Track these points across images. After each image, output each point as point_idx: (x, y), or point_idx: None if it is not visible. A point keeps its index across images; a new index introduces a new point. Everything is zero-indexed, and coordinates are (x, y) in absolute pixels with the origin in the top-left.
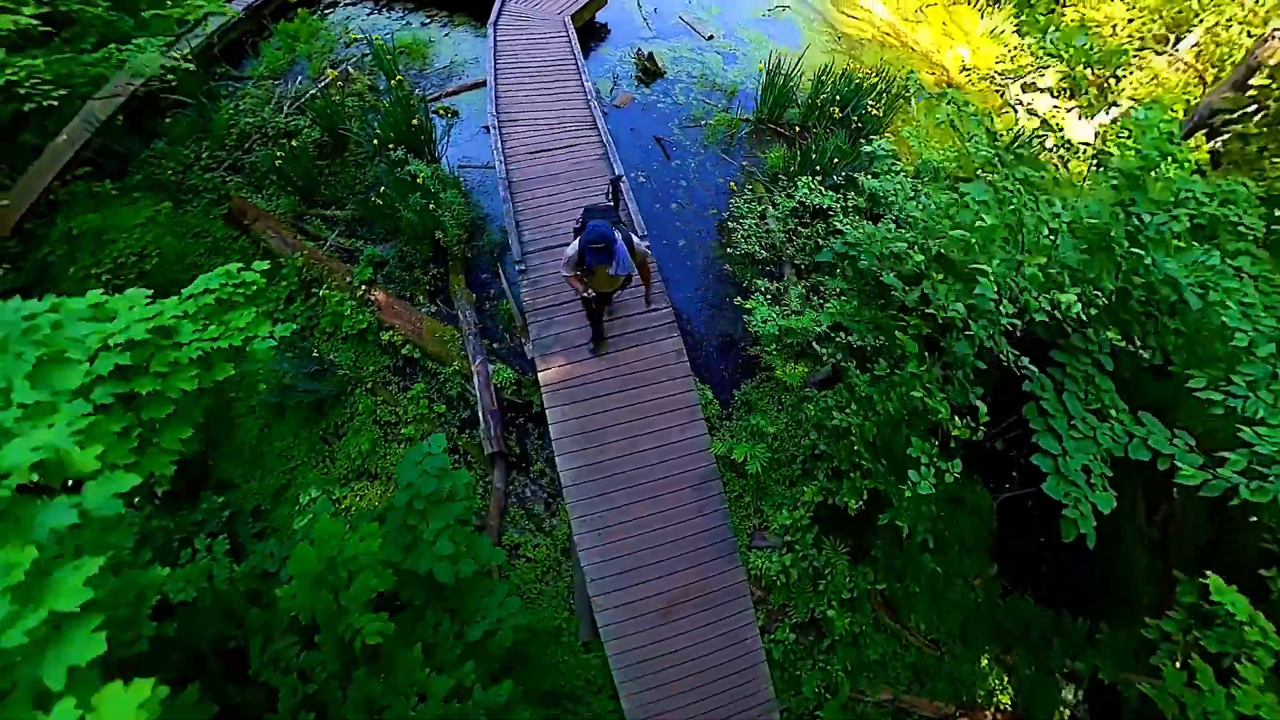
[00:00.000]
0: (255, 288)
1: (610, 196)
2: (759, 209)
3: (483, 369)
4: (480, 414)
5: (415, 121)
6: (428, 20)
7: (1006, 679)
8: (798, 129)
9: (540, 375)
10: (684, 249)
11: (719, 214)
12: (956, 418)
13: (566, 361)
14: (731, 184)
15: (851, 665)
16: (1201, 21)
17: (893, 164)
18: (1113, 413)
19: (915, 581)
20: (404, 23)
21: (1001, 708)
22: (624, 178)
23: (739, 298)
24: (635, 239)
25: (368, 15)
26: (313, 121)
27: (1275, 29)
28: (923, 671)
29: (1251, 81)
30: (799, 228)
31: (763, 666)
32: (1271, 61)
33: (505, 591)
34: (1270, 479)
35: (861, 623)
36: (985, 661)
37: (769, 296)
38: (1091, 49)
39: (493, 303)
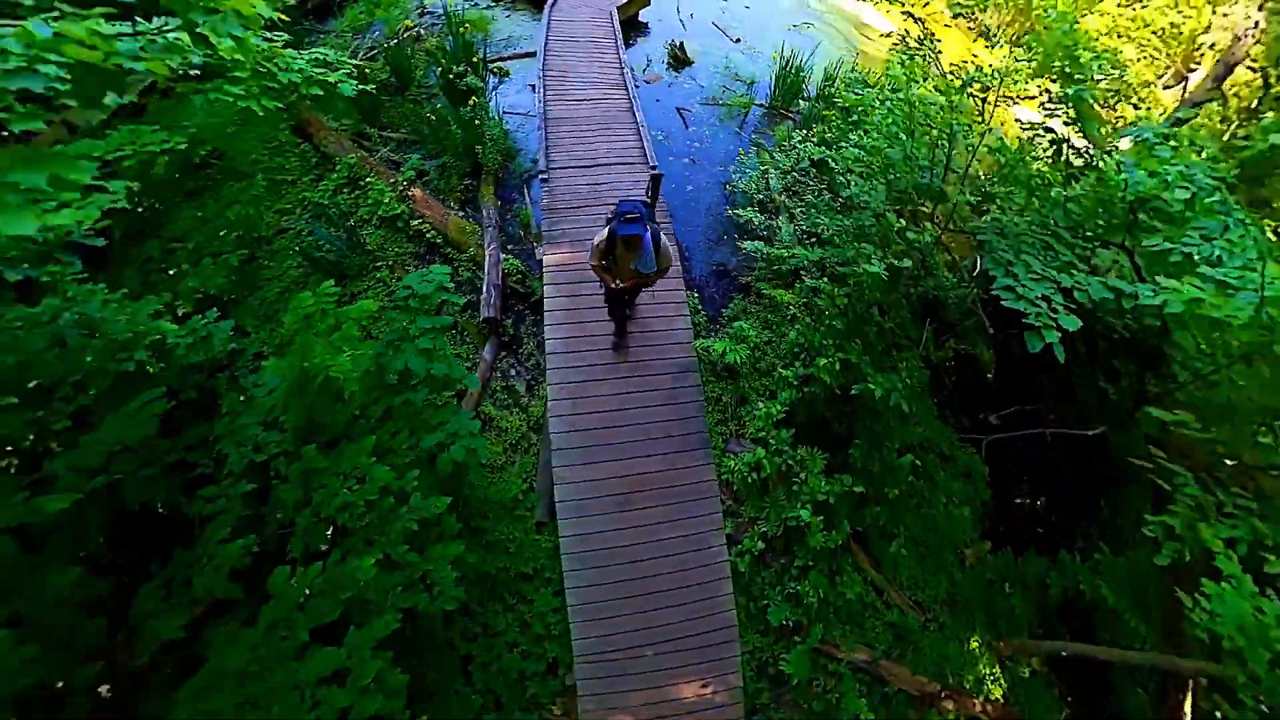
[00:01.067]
0: None
1: (649, 193)
2: (761, 169)
3: (495, 252)
4: (485, 287)
5: (476, 58)
6: (493, 4)
7: (1000, 671)
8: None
9: (545, 259)
10: (691, 194)
11: (725, 173)
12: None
13: (570, 252)
14: (740, 151)
15: (824, 594)
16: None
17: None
18: (1073, 270)
19: (894, 488)
20: (473, 3)
21: (992, 699)
22: (663, 176)
23: (738, 236)
24: (664, 240)
25: None
26: (384, 64)
27: (1248, 28)
28: (905, 637)
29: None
30: (794, 185)
31: (727, 583)
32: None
33: (468, 417)
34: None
35: (837, 540)
36: (976, 645)
37: (765, 231)
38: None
39: (514, 211)
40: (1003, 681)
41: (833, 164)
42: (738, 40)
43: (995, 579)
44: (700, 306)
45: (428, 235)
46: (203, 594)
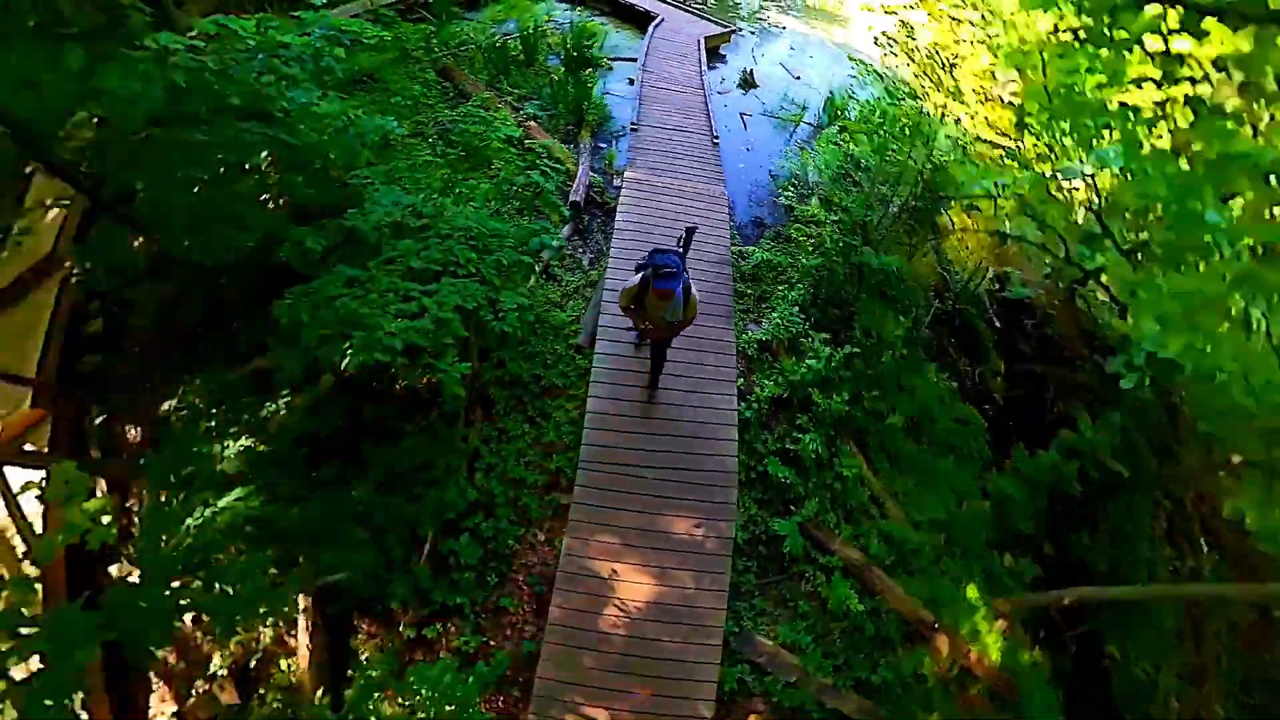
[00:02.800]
0: None
1: (681, 244)
2: (802, 162)
3: (585, 168)
4: (575, 186)
5: (588, 42)
6: (606, 21)
7: (998, 632)
8: None
9: (626, 175)
10: (743, 170)
11: (772, 163)
12: None
13: (644, 175)
14: (786, 149)
15: (821, 457)
16: None
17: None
18: None
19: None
20: (590, 17)
21: (986, 661)
22: (697, 229)
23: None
24: (693, 291)
25: (565, 9)
26: (516, 43)
27: None
28: (901, 554)
29: None
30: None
31: (733, 431)
32: None
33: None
34: None
35: (840, 407)
36: (974, 594)
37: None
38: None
39: (603, 154)
40: (998, 643)
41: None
42: (798, 77)
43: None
44: (738, 238)
45: (536, 151)
46: None
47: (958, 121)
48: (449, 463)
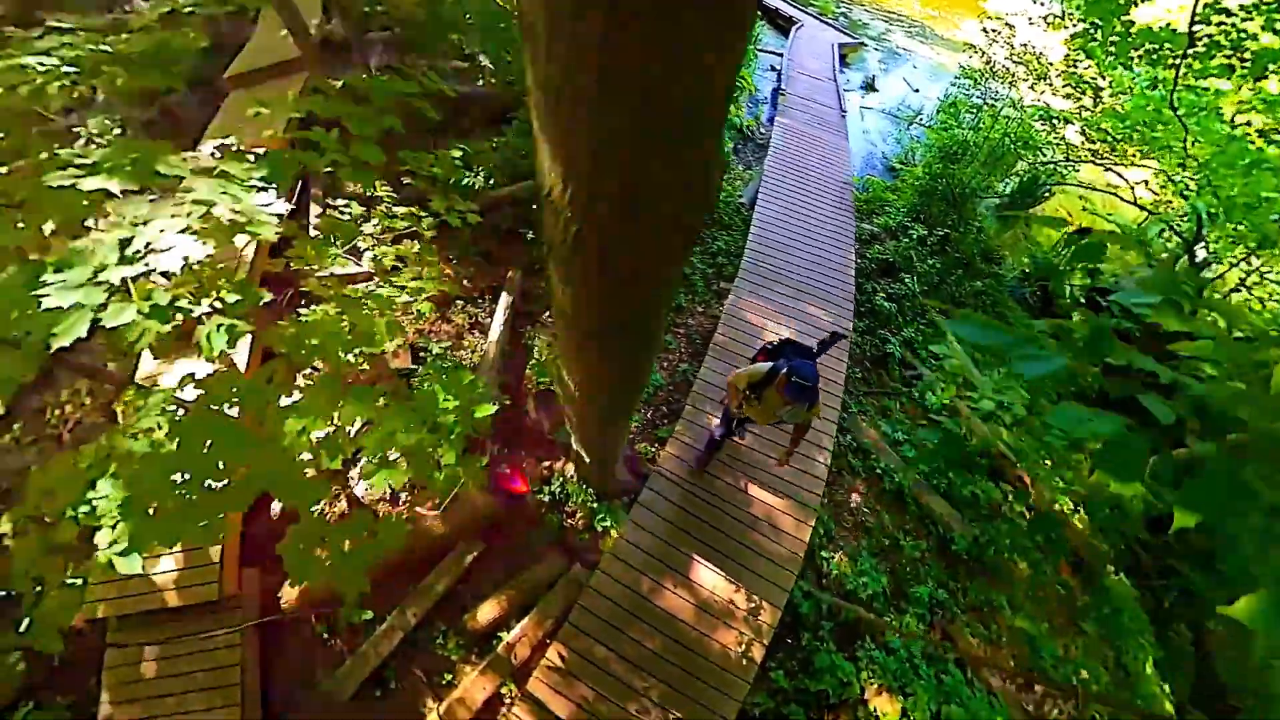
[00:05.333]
0: None
1: (820, 346)
2: (911, 147)
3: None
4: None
5: None
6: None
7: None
8: None
9: (777, 121)
10: (862, 147)
11: (885, 149)
12: None
13: (792, 125)
14: (899, 136)
15: (917, 299)
16: None
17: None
18: None
19: None
20: None
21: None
22: (848, 337)
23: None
24: (819, 401)
25: None
26: None
27: None
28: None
29: None
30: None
31: (851, 274)
32: None
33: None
34: None
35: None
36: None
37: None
38: None
39: (753, 112)
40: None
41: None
42: (916, 90)
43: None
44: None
45: None
46: None
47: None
48: None
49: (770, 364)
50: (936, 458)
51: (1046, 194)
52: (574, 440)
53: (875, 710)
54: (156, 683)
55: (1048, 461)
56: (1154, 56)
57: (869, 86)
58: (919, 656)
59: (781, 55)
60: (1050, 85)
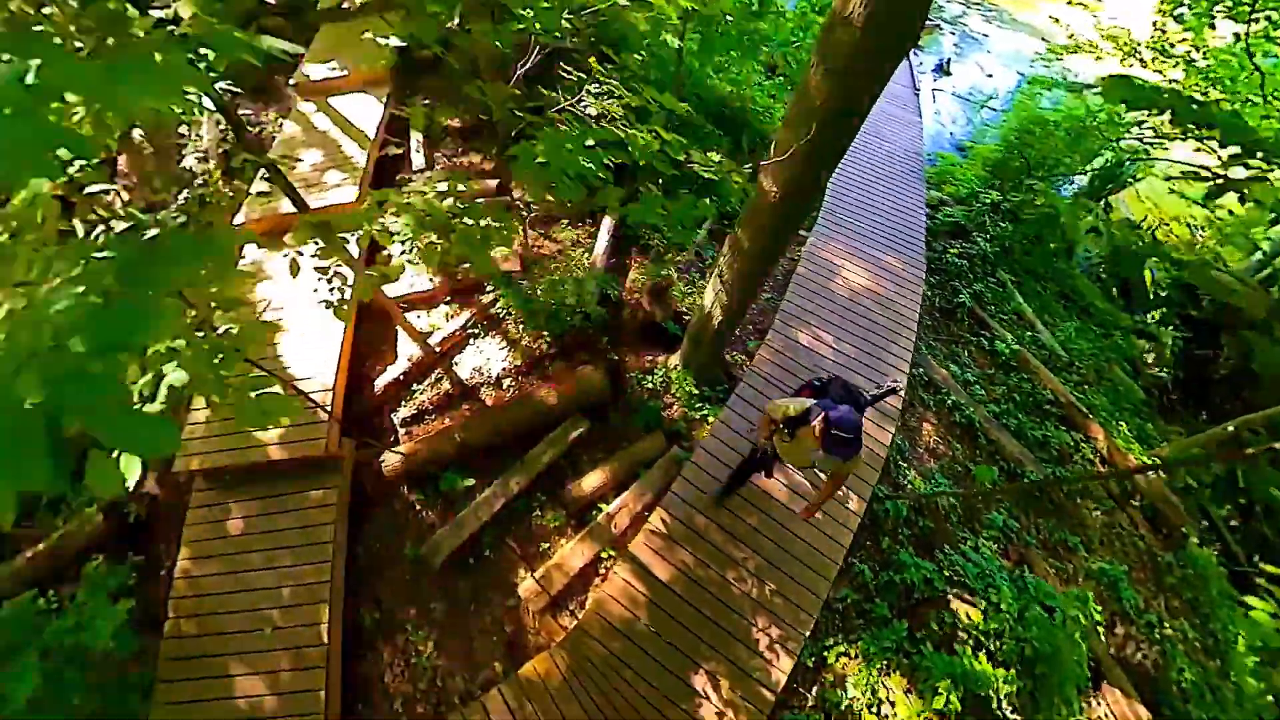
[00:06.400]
0: None
1: (873, 395)
2: (981, 129)
3: None
4: None
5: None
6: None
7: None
8: None
9: None
10: (933, 125)
11: (959, 131)
12: None
13: None
14: (972, 118)
15: (990, 258)
16: None
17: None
18: None
19: None
20: None
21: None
22: (900, 392)
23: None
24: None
25: None
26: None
27: None
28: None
29: None
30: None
31: (922, 234)
32: None
33: None
34: None
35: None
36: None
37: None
38: None
39: None
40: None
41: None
42: (990, 75)
43: None
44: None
45: None
46: None
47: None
48: None
49: (813, 402)
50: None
51: (1131, 179)
52: (694, 329)
53: (959, 612)
54: (242, 539)
55: (1122, 425)
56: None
57: (942, 69)
58: (997, 570)
59: None
60: (1140, 59)
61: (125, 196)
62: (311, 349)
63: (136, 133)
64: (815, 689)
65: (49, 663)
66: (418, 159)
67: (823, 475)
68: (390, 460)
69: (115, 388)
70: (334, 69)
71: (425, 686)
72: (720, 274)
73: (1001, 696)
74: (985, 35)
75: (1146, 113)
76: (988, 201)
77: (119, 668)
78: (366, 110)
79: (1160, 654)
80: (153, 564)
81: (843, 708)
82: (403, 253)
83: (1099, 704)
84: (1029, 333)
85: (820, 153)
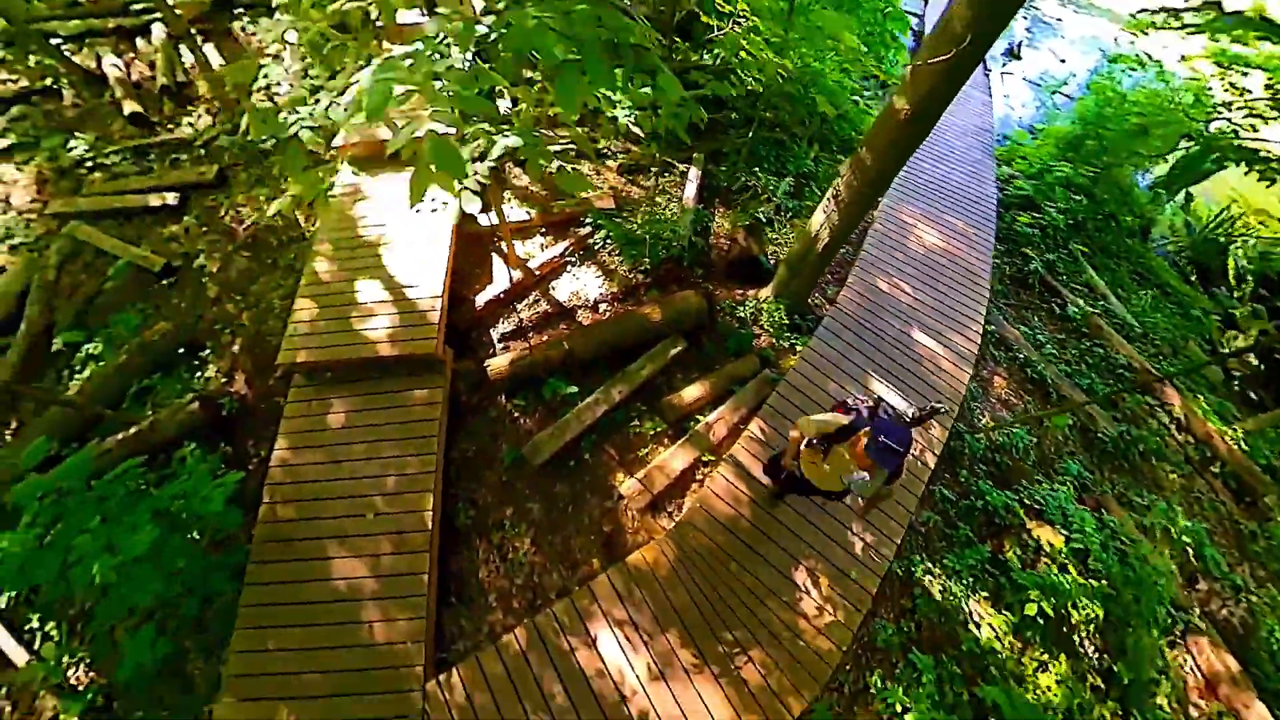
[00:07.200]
0: None
1: (915, 416)
2: (1053, 115)
3: None
4: None
5: None
6: None
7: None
8: None
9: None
10: (1004, 104)
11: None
12: None
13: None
14: (1043, 102)
15: (1063, 230)
16: None
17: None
18: None
19: None
20: None
21: (1229, 443)
22: (945, 413)
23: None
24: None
25: None
26: None
27: None
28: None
29: None
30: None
31: (994, 204)
32: None
33: None
34: None
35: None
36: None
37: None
38: None
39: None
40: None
41: None
42: (1063, 61)
43: None
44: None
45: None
46: None
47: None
48: None
49: (849, 418)
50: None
51: (1219, 165)
52: (792, 258)
53: (1040, 538)
54: (343, 432)
55: (1200, 398)
56: None
57: (1012, 54)
58: (1075, 509)
59: (920, 16)
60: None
61: (208, 120)
62: (418, 262)
63: (216, 62)
64: (904, 600)
65: (161, 523)
66: (503, 104)
67: (860, 501)
68: (496, 364)
69: None
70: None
71: (522, 581)
72: (835, 194)
73: (1084, 619)
74: (1059, 20)
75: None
76: (1060, 175)
77: (210, 547)
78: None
79: (1248, 613)
80: (240, 456)
81: (931, 618)
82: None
83: (1186, 653)
84: (1101, 303)
85: (953, 74)
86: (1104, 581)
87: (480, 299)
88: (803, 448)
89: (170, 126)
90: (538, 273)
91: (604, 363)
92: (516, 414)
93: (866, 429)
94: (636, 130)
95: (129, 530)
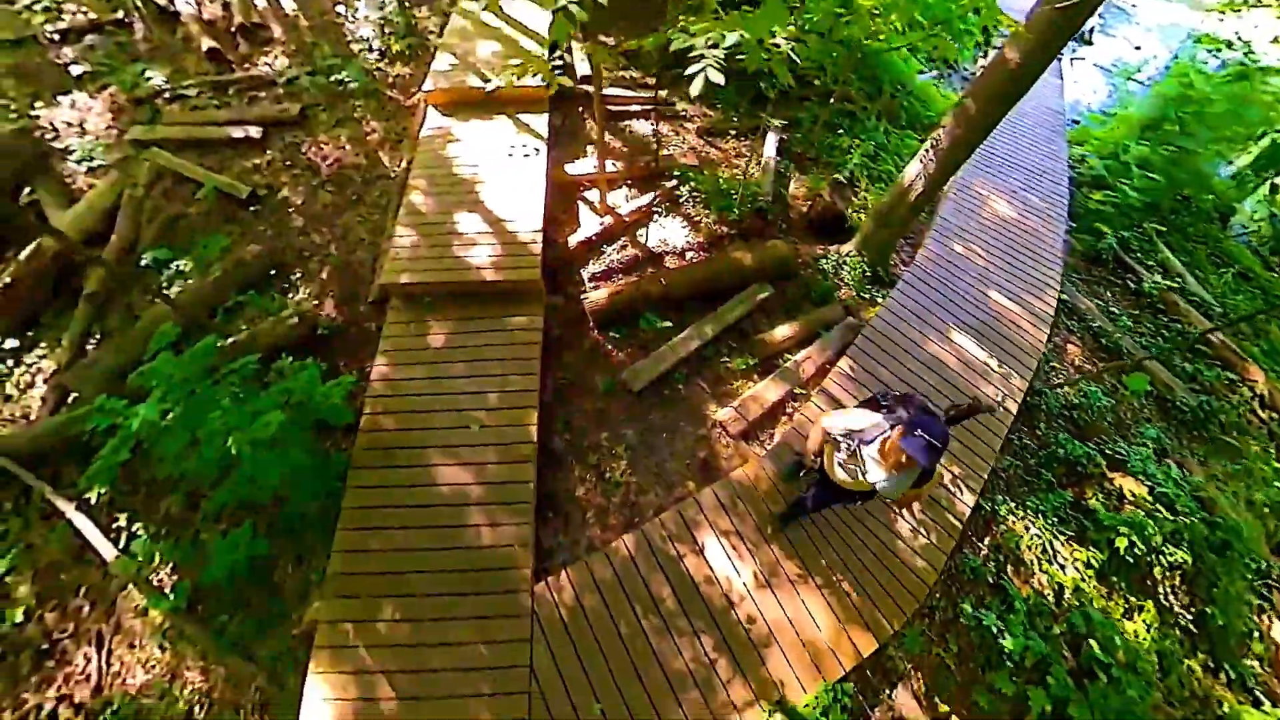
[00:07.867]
0: None
1: (951, 414)
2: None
3: None
4: None
5: None
6: None
7: None
8: None
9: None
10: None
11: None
12: None
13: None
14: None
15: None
16: None
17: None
18: None
19: None
20: None
21: None
22: (997, 411)
23: None
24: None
25: None
26: None
27: None
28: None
29: None
30: None
31: (1065, 184)
32: None
33: None
34: None
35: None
36: None
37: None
38: None
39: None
40: None
41: None
42: (1138, 47)
43: None
44: None
45: None
46: None
47: None
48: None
49: (880, 415)
50: None
51: None
52: (882, 209)
53: (1122, 487)
54: (444, 351)
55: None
56: None
57: (1083, 39)
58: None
59: None
60: None
61: (285, 61)
62: (515, 200)
63: (290, 4)
64: (988, 539)
65: (286, 412)
66: (582, 66)
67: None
68: (594, 296)
69: None
70: None
71: (619, 500)
72: (934, 143)
73: (1170, 566)
74: (1134, 5)
75: None
76: (1136, 155)
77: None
78: (531, 13)
79: None
80: (333, 373)
81: (1016, 554)
82: None
83: (1276, 618)
84: (1178, 279)
85: (1060, 29)
86: (1192, 526)
87: (573, 239)
88: (827, 445)
89: (246, 66)
90: (627, 219)
91: (694, 303)
92: (611, 346)
93: (904, 423)
94: (719, 79)
95: (253, 416)
